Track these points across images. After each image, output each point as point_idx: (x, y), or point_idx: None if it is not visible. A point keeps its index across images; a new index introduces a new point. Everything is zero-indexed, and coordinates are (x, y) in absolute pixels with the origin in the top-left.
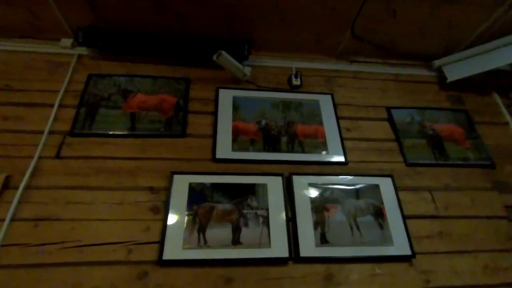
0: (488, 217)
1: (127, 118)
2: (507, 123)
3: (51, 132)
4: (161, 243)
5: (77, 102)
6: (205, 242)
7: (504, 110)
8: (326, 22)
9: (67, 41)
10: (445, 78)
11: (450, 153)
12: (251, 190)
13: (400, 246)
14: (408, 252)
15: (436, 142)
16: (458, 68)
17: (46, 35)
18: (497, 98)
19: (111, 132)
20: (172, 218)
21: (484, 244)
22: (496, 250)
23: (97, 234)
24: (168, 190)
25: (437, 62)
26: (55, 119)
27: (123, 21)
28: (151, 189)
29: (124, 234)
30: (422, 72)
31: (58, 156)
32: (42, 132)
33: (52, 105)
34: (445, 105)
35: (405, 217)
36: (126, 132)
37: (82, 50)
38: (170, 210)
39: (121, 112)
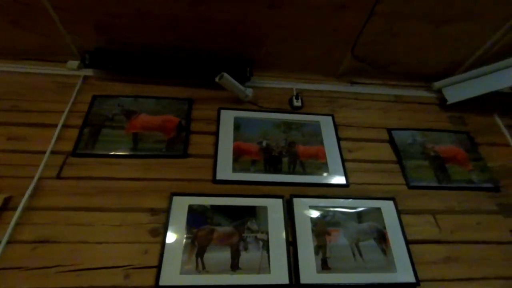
0: (497, 242)
1: (129, 138)
2: (509, 145)
3: (53, 152)
4: (159, 267)
5: (81, 122)
6: (204, 266)
7: (505, 131)
8: (328, 42)
9: (73, 63)
10: (446, 99)
11: (453, 175)
12: (251, 212)
13: (403, 272)
14: (412, 279)
15: (439, 164)
16: (457, 90)
17: (55, 57)
18: (498, 119)
19: (112, 153)
20: (170, 242)
21: (494, 270)
22: (507, 277)
23: (96, 257)
24: (167, 212)
25: (436, 84)
26: (58, 139)
27: (129, 43)
28: (152, 210)
29: (122, 257)
30: (422, 93)
31: (59, 177)
32: (44, 152)
33: (56, 126)
34: (447, 126)
35: (408, 242)
36: (128, 153)
37: (88, 72)
38: (169, 233)
39: (124, 132)
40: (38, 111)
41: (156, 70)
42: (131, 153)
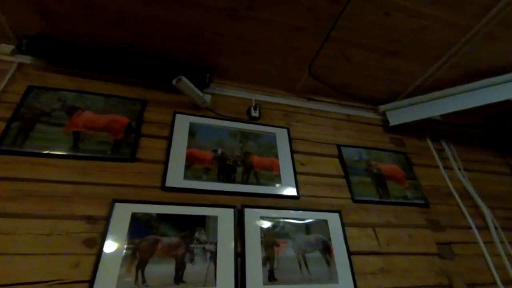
0: (423, 254)
1: (69, 137)
2: (438, 167)
3: None
4: (91, 282)
5: (10, 115)
6: (144, 280)
7: (435, 154)
8: (287, 59)
9: (6, 47)
10: (389, 122)
11: (391, 191)
12: (201, 222)
13: (345, 283)
14: None
15: (380, 181)
16: (399, 114)
17: None
18: (429, 143)
19: (46, 152)
20: (107, 253)
21: (421, 279)
22: (432, 285)
23: (14, 271)
24: (107, 220)
25: (381, 107)
26: None
27: (78, 33)
28: (88, 218)
29: (48, 271)
30: (370, 115)
31: None
32: None
33: None
34: (389, 146)
35: (350, 253)
36: (65, 153)
37: (25, 59)
38: (106, 244)
39: (64, 130)
40: None
41: (107, 65)
42: (70, 153)
